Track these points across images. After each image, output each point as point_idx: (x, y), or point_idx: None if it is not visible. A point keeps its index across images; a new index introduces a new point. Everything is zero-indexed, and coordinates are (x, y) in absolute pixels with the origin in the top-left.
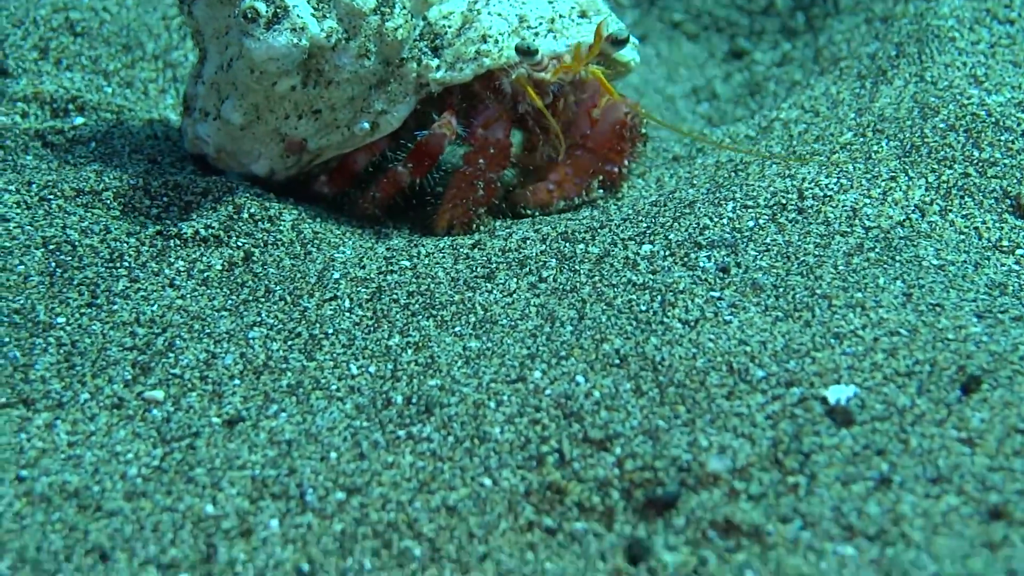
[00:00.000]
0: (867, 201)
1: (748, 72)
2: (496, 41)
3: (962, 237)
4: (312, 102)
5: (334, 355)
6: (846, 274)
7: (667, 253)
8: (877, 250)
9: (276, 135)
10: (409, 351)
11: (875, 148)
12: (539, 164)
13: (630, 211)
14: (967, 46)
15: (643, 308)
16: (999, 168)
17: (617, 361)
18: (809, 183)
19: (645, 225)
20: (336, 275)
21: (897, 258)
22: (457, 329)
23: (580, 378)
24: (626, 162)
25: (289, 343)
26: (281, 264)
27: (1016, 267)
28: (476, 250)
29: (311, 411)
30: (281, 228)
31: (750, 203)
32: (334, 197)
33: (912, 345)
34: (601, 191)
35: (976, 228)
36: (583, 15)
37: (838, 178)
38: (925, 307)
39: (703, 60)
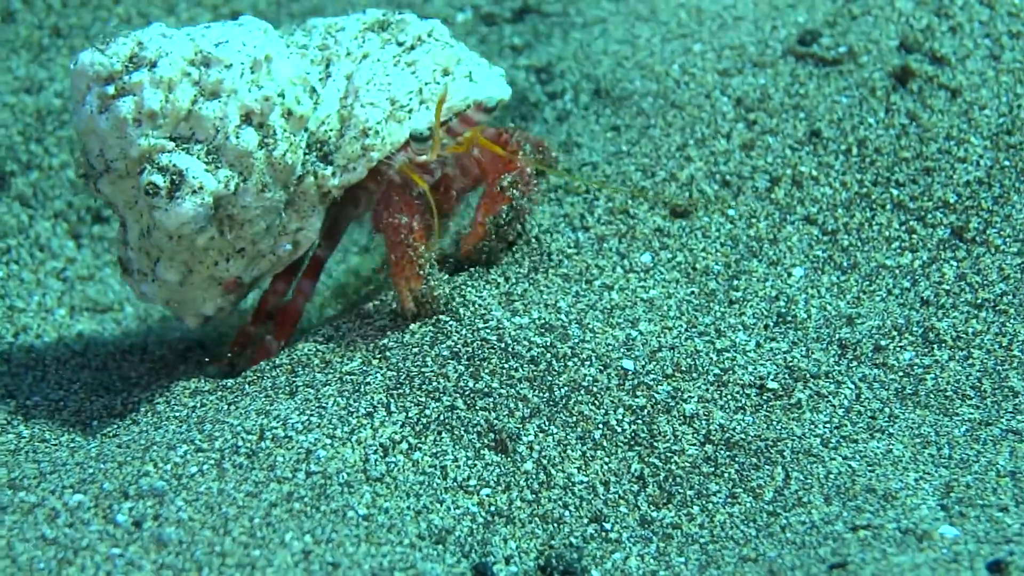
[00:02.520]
0: (327, 442)
1: None
2: (377, 132)
3: (422, 478)
4: (234, 244)
5: None
6: (259, 527)
7: (93, 504)
8: (307, 499)
9: (212, 280)
10: None
11: (368, 380)
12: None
13: (93, 453)
14: None
15: (41, 567)
16: (491, 399)
17: None
18: (276, 422)
19: (92, 471)
20: None
21: (323, 508)
22: None
23: None
24: (520, 163)
25: None
26: None
27: (474, 508)
28: None
29: None
30: None
31: (205, 445)
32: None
33: None
34: (515, 191)
35: (444, 467)
36: (446, 72)
37: (310, 415)
38: (320, 566)
39: None
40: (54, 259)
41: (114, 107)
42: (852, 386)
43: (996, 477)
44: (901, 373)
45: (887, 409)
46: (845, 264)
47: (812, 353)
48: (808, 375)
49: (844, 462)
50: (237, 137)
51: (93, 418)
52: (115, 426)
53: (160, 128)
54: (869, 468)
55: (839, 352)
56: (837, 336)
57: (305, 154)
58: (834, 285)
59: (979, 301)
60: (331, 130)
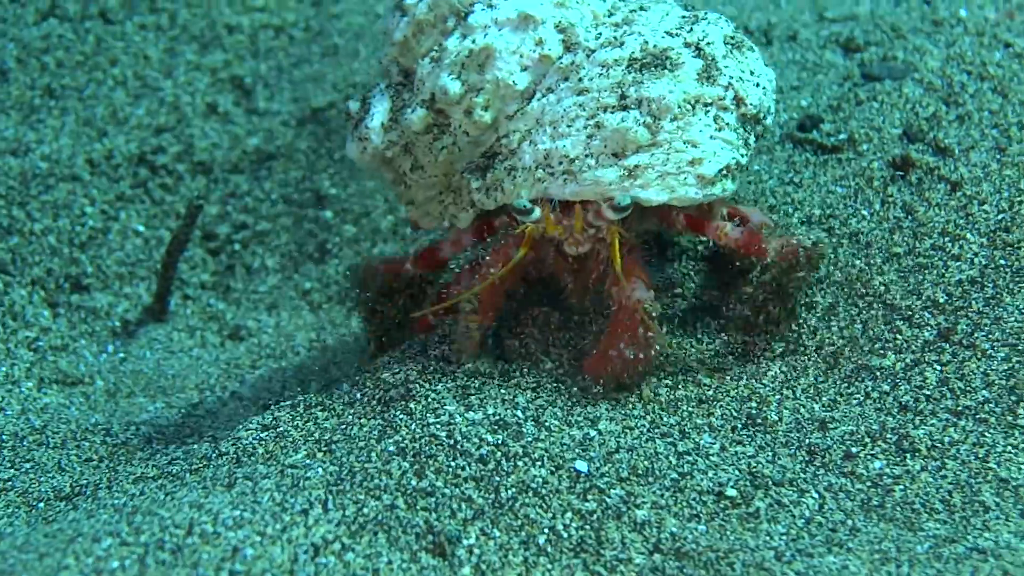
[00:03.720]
0: (256, 539)
1: None
2: (514, 179)
3: None
4: (405, 195)
5: None
6: None
7: None
8: None
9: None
10: None
11: (309, 474)
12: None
13: (18, 542)
14: None
15: None
16: (435, 499)
17: None
18: (207, 516)
19: (12, 562)
20: None
21: None
22: None
23: None
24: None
25: None
26: None
27: None
28: None
29: None
30: None
31: (131, 539)
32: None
33: None
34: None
35: (376, 570)
36: (616, 155)
37: (243, 510)
38: None
39: None
40: (27, 328)
41: (389, 16)
42: (816, 495)
43: None
44: (869, 483)
45: (850, 521)
46: (824, 365)
47: (778, 459)
48: (771, 482)
49: None
50: (412, 112)
51: (40, 500)
52: (58, 510)
53: (403, 56)
54: None
55: (807, 458)
56: (807, 441)
57: (480, 156)
58: (811, 386)
59: (959, 408)
60: (506, 147)
